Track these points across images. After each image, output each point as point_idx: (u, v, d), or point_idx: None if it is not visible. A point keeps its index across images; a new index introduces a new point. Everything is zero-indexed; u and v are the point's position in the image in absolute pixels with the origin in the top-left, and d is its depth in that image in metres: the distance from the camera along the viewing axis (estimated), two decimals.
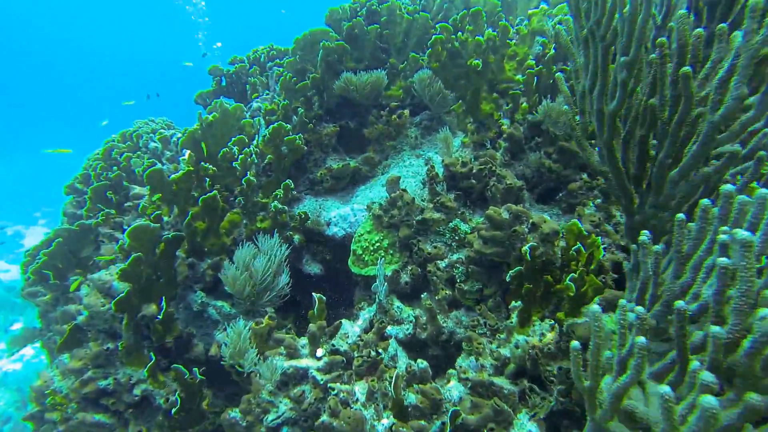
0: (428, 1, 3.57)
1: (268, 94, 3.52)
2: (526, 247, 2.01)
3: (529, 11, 3.04)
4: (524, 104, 2.61)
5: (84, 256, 3.12)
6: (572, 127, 1.18)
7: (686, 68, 0.83)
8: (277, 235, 2.51)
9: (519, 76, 2.67)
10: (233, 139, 2.70)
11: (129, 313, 2.31)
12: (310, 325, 2.33)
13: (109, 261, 2.72)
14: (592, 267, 1.84)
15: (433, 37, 2.59)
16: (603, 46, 1.02)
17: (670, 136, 0.93)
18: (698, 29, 0.83)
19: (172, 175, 2.44)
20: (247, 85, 3.66)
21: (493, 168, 2.53)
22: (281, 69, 3.31)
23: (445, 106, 3.13)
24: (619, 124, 1.05)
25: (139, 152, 3.24)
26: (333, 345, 2.32)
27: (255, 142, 2.81)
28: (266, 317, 2.46)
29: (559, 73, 1.21)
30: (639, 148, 1.05)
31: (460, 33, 2.60)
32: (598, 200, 2.35)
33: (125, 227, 2.99)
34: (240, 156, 2.58)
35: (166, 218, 2.69)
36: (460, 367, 2.08)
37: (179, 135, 3.23)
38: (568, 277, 1.77)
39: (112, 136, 3.58)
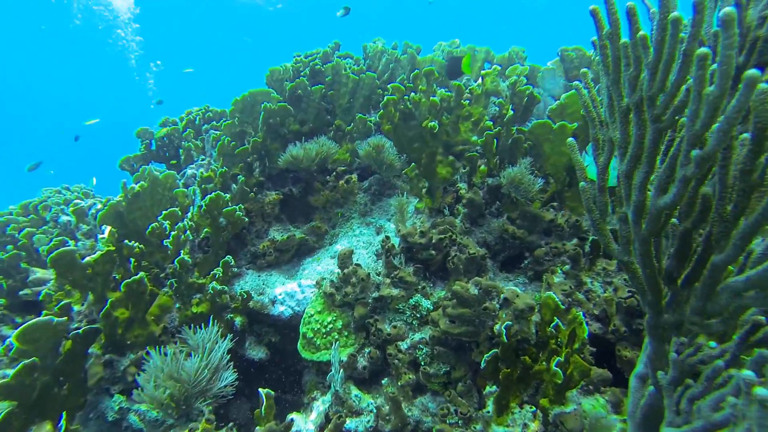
0: (373, 61, 3.55)
1: (204, 160, 3.29)
2: (501, 327, 1.86)
3: (482, 71, 3.06)
4: (482, 167, 2.54)
5: None
6: (588, 208, 1.03)
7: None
8: (216, 326, 2.20)
9: (474, 137, 2.62)
10: (164, 212, 2.43)
11: None
12: (257, 428, 2.01)
13: None
14: (576, 346, 1.69)
15: (386, 97, 2.51)
16: (656, 128, 0.88)
17: (737, 240, 0.80)
18: None
19: (87, 258, 2.12)
20: (180, 150, 3.41)
21: (454, 237, 2.40)
22: (218, 132, 3.11)
23: (396, 171, 3.02)
24: (663, 218, 0.91)
25: (45, 227, 2.85)
26: None
27: (189, 214, 2.54)
28: (203, 421, 2.12)
29: (571, 139, 1.06)
30: (681, 241, 0.91)
31: (413, 93, 2.53)
32: (566, 267, 2.26)
33: (16, 320, 2.58)
34: (172, 233, 2.30)
35: (77, 307, 2.32)
36: None
37: (99, 206, 2.90)
38: (554, 362, 1.61)
39: (10, 208, 3.16)
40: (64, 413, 1.94)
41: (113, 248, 2.21)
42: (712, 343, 0.95)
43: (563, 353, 1.71)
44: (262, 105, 2.88)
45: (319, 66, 3.23)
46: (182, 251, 2.30)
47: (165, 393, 1.98)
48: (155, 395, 1.97)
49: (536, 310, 1.97)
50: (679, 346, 1.00)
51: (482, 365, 1.89)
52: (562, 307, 1.87)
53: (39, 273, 2.56)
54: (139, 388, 2.01)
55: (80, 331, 2.09)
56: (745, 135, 0.76)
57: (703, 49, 0.70)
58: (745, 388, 0.71)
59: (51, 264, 2.11)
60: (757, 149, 0.73)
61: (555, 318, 1.85)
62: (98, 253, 2.16)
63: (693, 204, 0.87)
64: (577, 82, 1.05)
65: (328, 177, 3.06)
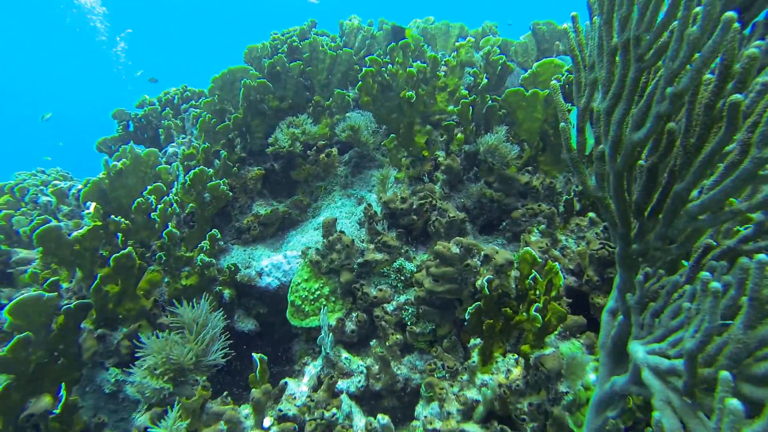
0: (350, 38, 3.60)
1: (184, 138, 3.30)
2: (483, 281, 1.97)
3: (456, 43, 3.15)
4: (459, 135, 2.64)
5: None
6: (567, 146, 1.12)
7: (737, 96, 0.77)
8: (207, 302, 2.26)
9: (451, 107, 2.71)
10: (148, 188, 2.46)
11: (4, 417, 1.92)
12: (253, 390, 2.10)
13: None
14: (553, 294, 1.82)
15: (364, 69, 2.57)
16: (639, 67, 0.96)
17: (697, 168, 0.90)
18: (753, 49, 0.77)
19: (74, 233, 2.15)
20: (160, 130, 3.41)
21: (434, 202, 2.50)
22: (198, 110, 3.13)
23: (376, 145, 3.10)
24: (636, 153, 1.01)
25: (24, 209, 2.84)
26: (280, 410, 2.11)
27: (174, 190, 2.58)
28: (199, 387, 2.19)
29: (554, 81, 1.15)
30: (648, 175, 1.02)
31: (390, 65, 2.61)
32: (542, 226, 2.39)
33: (2, 302, 2.59)
34: (159, 206, 2.34)
35: (65, 285, 2.36)
36: (425, 417, 1.95)
37: (80, 186, 2.90)
38: (533, 308, 1.73)
39: None
40: (63, 384, 1.99)
41: (100, 223, 2.24)
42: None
43: (541, 300, 1.83)
44: (242, 82, 2.92)
45: (296, 43, 3.27)
46: (170, 224, 2.34)
47: (159, 382, 2.03)
48: (147, 383, 2.02)
49: (515, 265, 2.10)
50: (645, 275, 1.12)
51: (466, 318, 2.01)
52: (540, 260, 2.00)
53: (22, 253, 2.57)
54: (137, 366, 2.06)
55: (72, 305, 2.13)
56: (709, 75, 0.86)
57: None
58: (701, 286, 0.82)
59: (37, 241, 2.13)
60: (720, 85, 0.83)
61: (533, 271, 1.98)
62: (85, 228, 2.19)
63: (660, 140, 0.98)
64: (568, 24, 1.13)
65: (308, 151, 3.11)
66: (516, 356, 1.94)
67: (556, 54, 3.33)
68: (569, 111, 1.27)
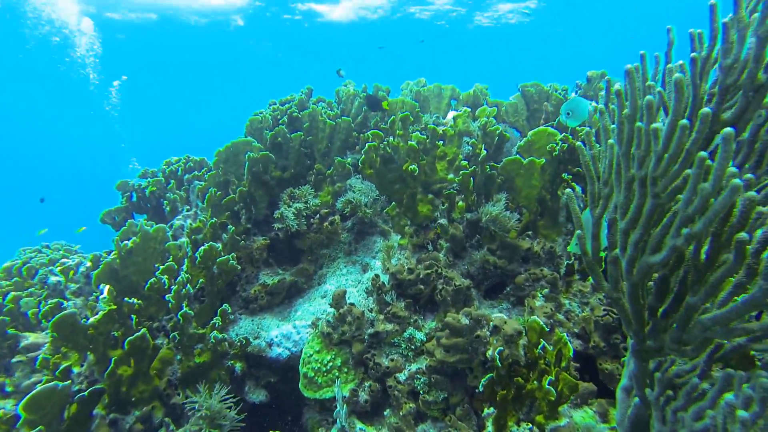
0: (346, 104, 3.78)
1: (189, 211, 3.40)
2: (495, 353, 2.05)
3: (454, 113, 3.33)
4: (460, 203, 2.77)
5: None
6: (583, 251, 1.23)
7: (743, 235, 0.89)
8: (222, 388, 2.31)
9: (451, 175, 2.85)
10: (161, 267, 2.53)
11: None
12: None
13: None
14: (563, 364, 1.90)
15: (367, 145, 2.72)
16: (655, 202, 1.09)
17: (708, 287, 1.01)
18: (752, 193, 0.89)
19: (91, 319, 2.20)
20: (165, 201, 3.51)
21: (440, 270, 2.60)
22: (203, 183, 3.24)
23: (378, 211, 3.22)
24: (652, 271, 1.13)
25: (31, 289, 2.88)
26: None
27: (185, 266, 2.65)
28: None
29: (569, 190, 1.27)
30: (660, 284, 1.13)
31: (391, 138, 2.75)
32: (545, 290, 2.49)
33: (7, 389, 2.60)
34: (173, 287, 2.41)
35: (76, 369, 2.38)
36: None
37: (88, 264, 2.96)
38: (546, 381, 1.81)
39: None
40: None
41: (115, 307, 2.30)
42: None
43: (553, 372, 1.91)
44: (246, 155, 3.04)
45: (296, 113, 3.42)
46: (183, 304, 2.40)
47: None
48: None
49: (523, 334, 2.18)
50: (657, 363, 1.22)
51: (480, 389, 2.07)
52: (547, 329, 2.09)
53: (31, 338, 2.59)
54: None
55: (86, 393, 2.16)
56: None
57: (703, 153, 0.93)
58: (728, 409, 0.93)
59: (53, 329, 2.18)
60: (725, 220, 0.96)
61: (541, 340, 2.06)
62: (100, 313, 2.25)
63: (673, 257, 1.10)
64: (580, 144, 1.26)
65: (312, 219, 3.22)
66: (530, 425, 2.00)
67: (545, 113, 3.52)
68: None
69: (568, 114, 2.38)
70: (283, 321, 2.97)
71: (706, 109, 0.99)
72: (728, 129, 0.90)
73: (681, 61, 1.48)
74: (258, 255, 3.13)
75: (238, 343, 2.64)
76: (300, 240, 3.20)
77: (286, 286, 3.04)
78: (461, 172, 2.66)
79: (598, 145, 1.33)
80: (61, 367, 2.25)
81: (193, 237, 2.95)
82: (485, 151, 2.64)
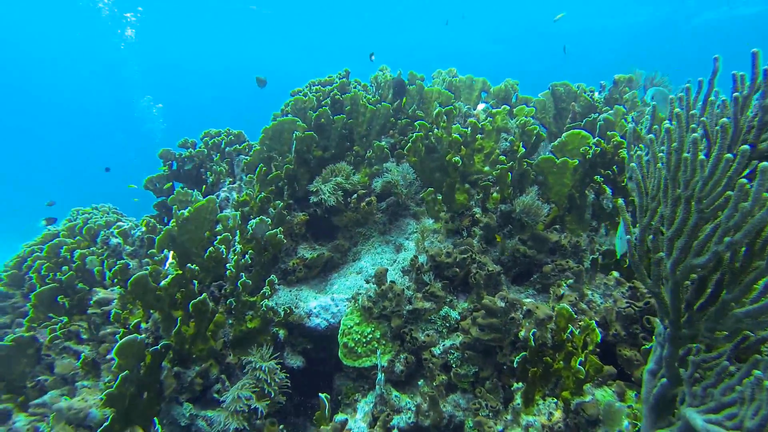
0: (384, 90, 3.97)
1: (233, 184, 3.61)
2: (529, 334, 2.34)
3: (484, 105, 3.54)
4: (494, 194, 3.02)
5: (14, 377, 2.87)
6: (631, 252, 1.50)
7: None
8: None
9: (486, 168, 3.09)
10: (219, 238, 2.77)
11: None
12: (321, 428, 2.41)
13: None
14: (590, 348, 2.19)
15: (414, 134, 2.94)
16: (699, 216, 1.34)
17: (743, 287, 1.28)
18: None
19: (162, 282, 2.45)
20: (208, 173, 3.71)
21: (474, 256, 2.87)
22: (248, 158, 3.45)
23: (412, 194, 3.46)
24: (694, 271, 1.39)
25: (93, 248, 3.10)
26: None
27: (237, 237, 2.89)
28: (267, 424, 2.50)
29: (621, 200, 1.53)
30: (699, 282, 1.40)
31: (436, 130, 2.98)
32: (570, 281, 2.77)
33: (83, 336, 2.85)
34: (233, 257, 2.65)
35: (143, 325, 2.64)
36: None
37: (143, 228, 3.18)
38: (578, 361, 2.10)
39: (52, 229, 3.38)
40: (156, 419, 2.27)
41: (181, 272, 2.54)
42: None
43: (583, 354, 2.20)
44: (294, 134, 3.25)
45: (338, 96, 3.62)
46: (243, 274, 2.65)
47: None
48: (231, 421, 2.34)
49: (553, 319, 2.47)
50: (688, 350, 1.51)
51: (515, 365, 2.37)
52: (575, 316, 2.37)
53: (101, 293, 2.83)
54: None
55: (159, 347, 2.42)
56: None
57: (743, 180, 1.18)
58: (756, 381, 1.20)
59: (131, 287, 2.42)
60: (759, 233, 1.23)
61: (569, 325, 2.35)
62: (170, 277, 2.49)
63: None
64: (632, 165, 1.51)
65: (349, 199, 3.45)
66: (555, 400, 2.30)
67: (572, 113, 3.76)
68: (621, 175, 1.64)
69: (652, 99, 2.64)
70: (320, 293, 3.23)
71: (745, 147, 1.25)
72: (765, 163, 1.16)
73: (724, 98, 1.74)
74: (297, 229, 3.37)
75: (282, 312, 2.90)
76: (337, 217, 3.44)
77: (324, 260, 3.29)
78: (499, 167, 2.91)
79: (637, 152, 1.59)
80: (133, 322, 2.51)
81: (240, 210, 3.18)
82: (523, 149, 2.87)
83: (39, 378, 2.73)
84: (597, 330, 2.21)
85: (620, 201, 1.60)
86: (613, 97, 3.85)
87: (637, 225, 1.56)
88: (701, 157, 1.37)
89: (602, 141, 2.78)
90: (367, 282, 3.18)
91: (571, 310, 2.37)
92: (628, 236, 1.55)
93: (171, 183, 3.93)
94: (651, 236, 1.57)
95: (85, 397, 2.40)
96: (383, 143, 3.53)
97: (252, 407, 2.47)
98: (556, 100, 3.85)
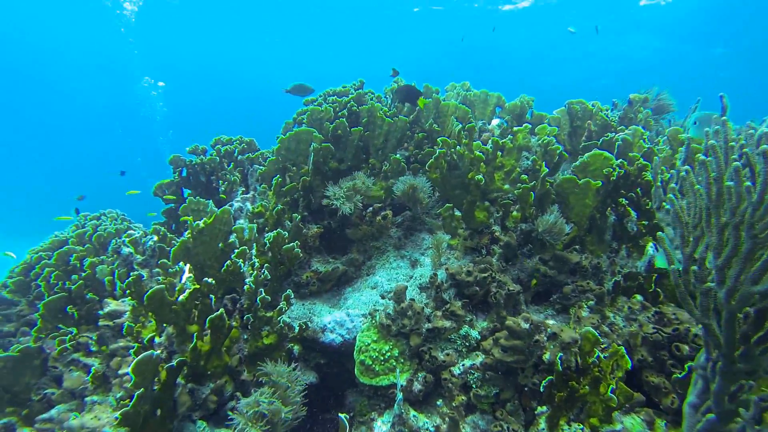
0: (396, 101, 3.92)
1: (245, 193, 3.53)
2: (556, 358, 2.29)
3: (498, 121, 3.50)
4: (515, 213, 2.98)
5: (18, 389, 2.76)
6: (677, 282, 1.47)
7: None
8: (292, 364, 2.51)
9: (507, 186, 3.06)
10: (236, 251, 2.69)
11: None
12: None
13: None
14: (619, 375, 2.15)
15: (438, 150, 2.90)
16: (753, 242, 1.31)
17: None
18: None
19: (180, 297, 2.37)
20: (221, 181, 3.63)
21: (494, 275, 2.83)
22: (263, 168, 3.38)
23: (425, 209, 3.42)
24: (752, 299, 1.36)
25: (103, 257, 3.01)
26: None
27: (254, 251, 2.82)
28: None
29: (661, 233, 1.50)
30: (757, 313, 1.37)
31: (458, 147, 2.94)
32: (591, 302, 2.73)
33: (92, 348, 2.76)
34: (252, 272, 2.58)
35: (157, 339, 2.55)
36: None
37: (155, 238, 3.09)
38: (609, 389, 2.06)
39: (60, 236, 3.28)
40: None
41: (198, 286, 2.46)
42: None
43: (608, 380, 2.16)
44: (312, 146, 3.20)
45: (355, 108, 3.57)
46: (262, 289, 2.58)
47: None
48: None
49: (579, 343, 2.43)
50: (740, 387, 1.47)
51: (541, 389, 2.32)
52: (601, 340, 2.34)
53: (112, 305, 2.74)
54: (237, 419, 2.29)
55: (174, 363, 2.34)
56: None
57: None
58: None
59: (147, 302, 2.34)
60: None
61: (595, 350, 2.31)
62: (187, 292, 2.41)
63: None
64: (670, 196, 1.48)
65: (364, 212, 3.40)
66: (582, 427, 2.26)
67: (587, 131, 3.74)
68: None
69: (695, 123, 2.62)
70: (334, 308, 3.17)
71: None
72: None
73: (765, 129, 1.72)
74: (312, 242, 3.31)
75: (297, 328, 2.83)
76: (352, 230, 3.39)
77: (339, 274, 3.23)
78: (521, 186, 2.87)
79: (666, 177, 1.56)
80: (147, 337, 2.42)
81: (255, 221, 3.11)
82: (546, 169, 2.84)
83: (46, 391, 2.63)
84: (627, 357, 2.18)
85: (661, 234, 1.56)
86: (627, 116, 3.85)
87: (678, 255, 1.53)
88: (747, 183, 1.35)
89: (626, 163, 2.76)
90: (383, 297, 3.13)
91: (597, 334, 2.33)
92: (672, 266, 1.51)
93: (180, 189, 3.84)
94: (696, 266, 1.54)
95: (97, 414, 2.31)
96: (399, 156, 3.49)
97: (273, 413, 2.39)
98: (572, 117, 3.84)
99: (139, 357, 2.16)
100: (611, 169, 2.78)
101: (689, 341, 2.22)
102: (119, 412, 2.11)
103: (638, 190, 2.70)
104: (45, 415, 2.57)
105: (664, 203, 2.15)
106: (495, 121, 4.08)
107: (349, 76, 4.27)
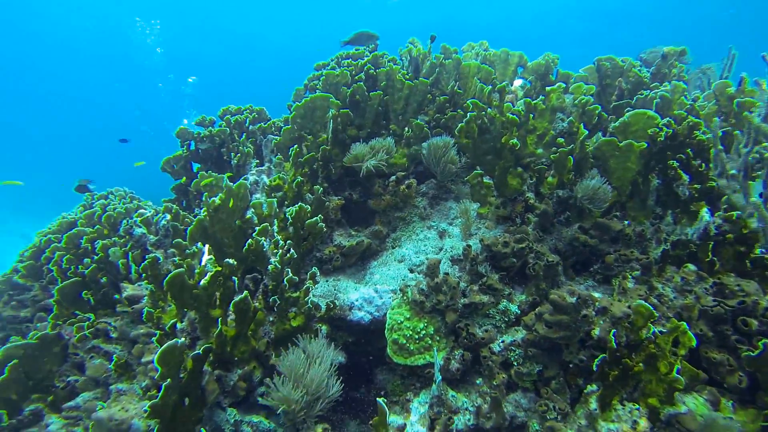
0: (419, 65, 3.59)
1: (259, 165, 3.25)
2: (610, 335, 2.07)
3: (521, 82, 3.19)
4: (549, 179, 2.72)
5: (41, 376, 2.56)
6: None
7: None
8: (323, 337, 2.30)
9: (540, 150, 2.78)
10: (258, 229, 2.43)
11: None
12: None
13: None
14: (682, 353, 1.93)
15: (468, 114, 2.61)
16: None
17: None
18: None
19: (202, 281, 2.13)
20: (232, 154, 3.33)
21: (531, 245, 2.58)
22: (278, 138, 3.08)
23: (453, 175, 3.15)
24: None
25: (115, 238, 2.75)
26: None
27: (275, 227, 2.56)
28: (319, 429, 2.23)
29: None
30: None
31: (489, 109, 2.65)
32: (635, 273, 2.50)
33: (112, 334, 2.54)
34: (278, 252, 2.33)
35: (179, 325, 2.33)
36: None
37: (168, 217, 2.82)
38: (675, 368, 1.84)
39: (68, 217, 3.01)
40: (203, 429, 1.99)
41: (220, 269, 2.22)
42: None
43: (672, 359, 1.94)
44: (330, 112, 2.89)
45: (373, 71, 3.25)
46: (289, 269, 2.34)
47: (297, 392, 2.08)
48: (289, 394, 2.06)
49: (630, 317, 2.20)
50: None
51: (594, 367, 2.11)
52: (656, 315, 2.11)
53: (129, 289, 2.50)
54: (272, 388, 2.10)
55: (200, 351, 2.12)
56: None
57: None
58: None
59: (167, 287, 2.10)
60: None
61: (650, 325, 2.09)
62: (209, 275, 2.17)
63: None
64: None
65: (387, 181, 3.13)
66: (637, 406, 2.05)
67: (618, 90, 3.43)
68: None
69: None
70: (360, 284, 2.94)
71: None
72: None
73: None
74: (333, 215, 3.04)
75: (325, 307, 2.61)
76: (374, 201, 3.12)
77: (363, 248, 2.99)
78: (559, 150, 2.59)
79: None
80: (168, 323, 2.19)
81: (273, 195, 2.85)
82: (586, 131, 2.56)
83: (69, 379, 2.43)
84: (690, 333, 1.95)
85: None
86: (661, 71, 3.52)
87: None
88: None
89: (673, 122, 2.47)
90: (411, 271, 2.89)
91: (651, 308, 2.10)
92: None
93: (189, 164, 3.54)
94: None
95: (125, 406, 2.11)
96: (421, 122, 3.19)
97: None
98: (601, 75, 3.52)
99: (164, 347, 1.93)
100: (657, 130, 2.49)
101: (758, 315, 1.99)
102: (148, 405, 1.90)
103: (689, 150, 2.41)
104: (71, 403, 2.38)
105: (729, 169, 1.87)
106: (517, 82, 3.76)
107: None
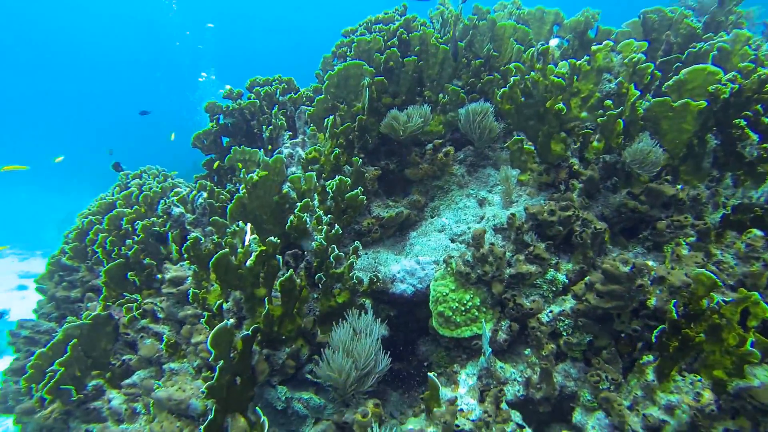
0: (448, 27, 3.38)
1: (292, 137, 3.13)
2: (671, 305, 1.96)
3: (557, 41, 2.99)
4: (595, 143, 2.55)
5: (97, 354, 2.59)
6: None
7: None
8: (371, 311, 2.24)
9: (584, 114, 2.60)
10: (299, 204, 2.34)
11: None
12: (435, 410, 2.11)
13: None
14: (754, 324, 1.81)
15: (512, 79, 2.43)
16: None
17: None
18: None
19: (248, 262, 2.06)
20: (264, 126, 3.22)
21: (577, 212, 2.45)
22: (312, 109, 2.95)
23: (491, 141, 3.00)
24: None
25: (154, 219, 2.70)
26: (457, 426, 2.12)
27: (316, 202, 2.48)
28: (370, 405, 2.20)
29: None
30: None
31: (532, 73, 2.47)
32: (690, 239, 2.36)
33: (159, 315, 2.52)
34: (323, 228, 2.25)
35: (225, 305, 2.29)
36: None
37: (204, 195, 2.75)
38: (749, 342, 1.73)
39: (107, 198, 2.97)
40: (258, 408, 1.98)
41: (264, 248, 2.15)
42: None
43: (740, 330, 1.82)
44: (365, 80, 2.75)
45: (405, 36, 3.06)
46: (334, 246, 2.26)
47: (348, 364, 2.04)
48: (342, 364, 2.02)
49: (690, 286, 2.08)
50: None
51: (654, 340, 2.01)
52: (720, 283, 1.98)
53: (172, 270, 2.46)
54: (323, 361, 2.08)
55: (249, 332, 2.08)
56: None
57: None
58: None
59: (212, 268, 2.05)
60: None
61: (713, 294, 1.96)
62: (254, 255, 2.10)
63: None
64: None
65: (423, 149, 3.00)
66: (699, 378, 1.96)
67: (665, 44, 3.19)
68: None
69: None
70: (400, 255, 2.85)
71: None
72: None
73: None
74: (370, 185, 2.94)
75: (367, 281, 2.54)
76: (411, 170, 3.00)
77: (402, 218, 2.89)
78: (607, 113, 2.42)
79: None
80: (215, 304, 2.15)
81: (309, 167, 2.75)
82: (637, 92, 2.37)
83: (123, 357, 2.44)
84: (763, 304, 1.82)
85: None
86: (715, 20, 3.22)
87: None
88: None
89: (739, 76, 2.26)
90: (453, 241, 2.79)
91: (714, 277, 1.97)
92: None
93: (219, 139, 3.43)
94: None
95: (181, 386, 2.10)
96: (457, 87, 3.02)
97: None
98: (646, 29, 3.26)
99: (215, 329, 1.90)
100: (720, 86, 2.29)
101: None
102: (205, 386, 1.88)
103: (758, 107, 2.21)
104: (129, 381, 2.41)
105: None
106: (553, 41, 3.52)
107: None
